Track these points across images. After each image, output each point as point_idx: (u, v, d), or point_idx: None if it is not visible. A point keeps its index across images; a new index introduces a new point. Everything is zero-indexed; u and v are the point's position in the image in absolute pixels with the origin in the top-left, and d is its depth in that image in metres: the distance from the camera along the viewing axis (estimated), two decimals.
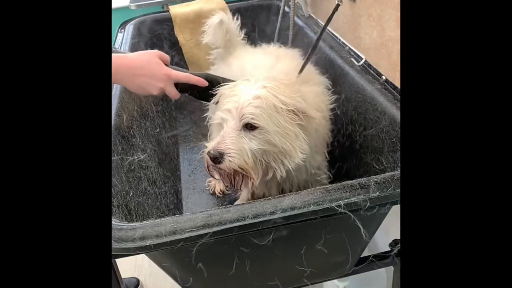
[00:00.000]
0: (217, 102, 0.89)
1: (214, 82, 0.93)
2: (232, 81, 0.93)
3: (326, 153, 1.01)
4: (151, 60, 0.89)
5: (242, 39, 1.27)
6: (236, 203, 1.13)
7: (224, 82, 0.93)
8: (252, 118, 0.78)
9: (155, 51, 0.93)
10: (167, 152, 1.26)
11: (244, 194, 1.07)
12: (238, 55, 1.20)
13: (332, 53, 1.20)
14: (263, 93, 0.80)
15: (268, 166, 0.83)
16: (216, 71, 1.18)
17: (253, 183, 0.82)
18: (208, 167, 0.83)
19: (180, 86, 0.92)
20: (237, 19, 1.26)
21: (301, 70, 1.02)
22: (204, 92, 0.94)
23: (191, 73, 0.92)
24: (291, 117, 0.81)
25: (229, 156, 0.78)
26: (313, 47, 1.05)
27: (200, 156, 0.87)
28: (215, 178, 0.88)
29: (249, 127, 0.79)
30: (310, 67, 1.10)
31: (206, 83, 0.93)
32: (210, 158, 0.79)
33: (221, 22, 1.19)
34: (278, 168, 0.83)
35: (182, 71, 0.93)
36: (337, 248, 0.78)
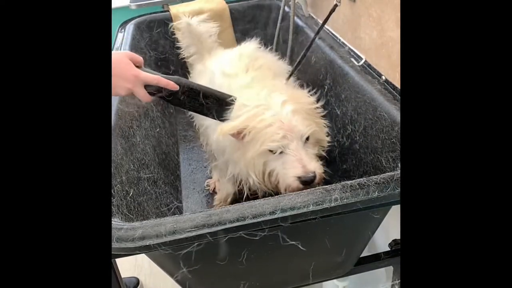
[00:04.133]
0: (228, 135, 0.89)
1: (185, 87, 0.93)
2: (205, 88, 0.96)
3: None
4: (121, 60, 0.88)
5: (215, 41, 1.29)
6: (218, 197, 1.16)
7: (195, 88, 0.94)
8: (312, 131, 0.86)
9: (126, 51, 0.94)
10: (167, 152, 1.26)
11: (230, 188, 1.10)
12: (213, 56, 1.25)
13: (332, 53, 1.20)
14: (294, 107, 0.86)
15: None
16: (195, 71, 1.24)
17: None
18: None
19: (150, 89, 0.91)
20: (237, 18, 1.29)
21: (291, 73, 1.08)
22: (174, 96, 0.94)
23: (162, 76, 0.92)
24: (318, 112, 0.92)
25: (318, 170, 0.84)
26: (306, 48, 1.07)
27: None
28: None
29: (306, 138, 0.86)
30: (271, 57, 1.15)
31: (176, 87, 0.92)
32: (306, 182, 0.83)
33: (188, 25, 1.20)
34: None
35: (153, 73, 0.92)
36: (336, 248, 0.78)
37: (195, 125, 1.27)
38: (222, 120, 0.96)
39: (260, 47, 1.19)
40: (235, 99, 0.94)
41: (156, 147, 1.16)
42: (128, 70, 0.88)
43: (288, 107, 0.86)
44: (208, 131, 1.07)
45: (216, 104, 0.96)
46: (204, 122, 1.08)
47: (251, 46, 1.17)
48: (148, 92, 0.91)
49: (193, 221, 0.61)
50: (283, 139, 0.83)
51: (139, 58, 0.93)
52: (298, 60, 1.11)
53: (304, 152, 0.84)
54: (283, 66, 1.18)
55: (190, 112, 1.21)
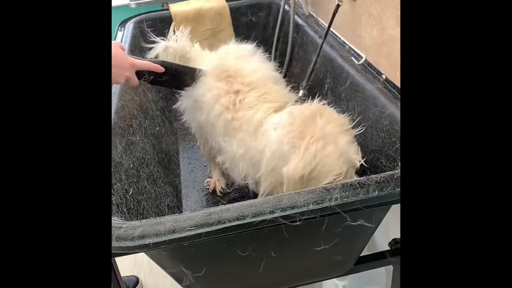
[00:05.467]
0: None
1: (168, 68, 1.06)
2: (176, 64, 1.07)
3: None
4: (117, 50, 0.95)
5: (195, 42, 1.26)
6: None
7: (169, 67, 1.05)
8: (359, 160, 0.85)
9: (116, 41, 0.97)
10: (167, 151, 1.26)
11: None
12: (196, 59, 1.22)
13: (332, 52, 1.19)
14: (348, 138, 0.86)
15: None
16: None
17: None
18: None
19: (140, 73, 1.00)
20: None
21: (307, 80, 1.09)
22: (158, 77, 1.05)
23: (149, 61, 1.02)
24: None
25: None
26: (317, 54, 1.06)
27: None
28: None
29: None
30: (256, 64, 1.10)
31: (162, 69, 1.03)
32: None
33: (166, 48, 1.20)
34: None
35: (140, 59, 1.00)
36: (336, 247, 0.78)
37: (201, 148, 1.23)
38: (183, 89, 1.10)
39: (238, 46, 1.14)
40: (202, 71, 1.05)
41: (155, 145, 1.16)
42: (125, 59, 0.95)
43: (342, 137, 0.86)
44: (232, 163, 1.02)
45: (185, 78, 1.09)
46: (229, 153, 1.01)
47: (230, 57, 1.10)
48: (137, 76, 1.00)
49: (192, 220, 0.61)
50: (346, 172, 0.85)
51: (124, 46, 1.04)
52: (310, 70, 1.11)
53: (355, 177, 0.86)
54: (273, 72, 1.11)
55: (198, 137, 1.21)
